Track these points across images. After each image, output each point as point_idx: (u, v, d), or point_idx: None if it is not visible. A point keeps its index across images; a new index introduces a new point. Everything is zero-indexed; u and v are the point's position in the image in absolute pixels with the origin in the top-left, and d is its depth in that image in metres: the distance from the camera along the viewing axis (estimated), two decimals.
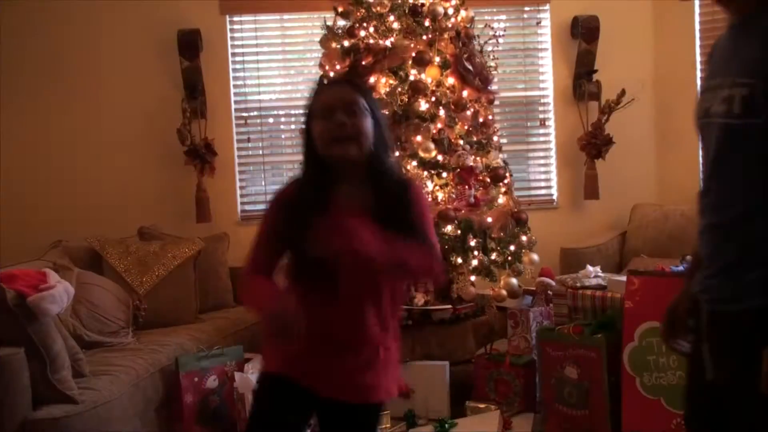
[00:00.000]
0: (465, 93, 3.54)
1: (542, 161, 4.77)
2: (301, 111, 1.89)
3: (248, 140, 4.64)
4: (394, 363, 1.90)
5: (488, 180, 3.54)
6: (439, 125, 3.50)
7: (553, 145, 4.71)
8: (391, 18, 3.58)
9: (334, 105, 1.78)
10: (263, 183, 4.69)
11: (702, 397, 1.59)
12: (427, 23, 3.57)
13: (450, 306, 3.47)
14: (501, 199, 3.61)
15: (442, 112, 3.51)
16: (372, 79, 3.56)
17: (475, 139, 3.58)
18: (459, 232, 3.46)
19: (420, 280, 1.94)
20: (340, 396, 1.80)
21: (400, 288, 1.94)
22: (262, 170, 4.68)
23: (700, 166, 4.34)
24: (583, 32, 4.49)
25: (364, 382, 1.80)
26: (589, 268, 3.45)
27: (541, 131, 4.74)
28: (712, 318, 1.51)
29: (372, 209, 1.77)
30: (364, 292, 1.78)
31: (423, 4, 3.57)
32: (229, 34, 4.58)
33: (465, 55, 3.55)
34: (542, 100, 4.73)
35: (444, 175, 3.48)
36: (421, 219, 1.83)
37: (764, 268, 1.40)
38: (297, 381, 1.79)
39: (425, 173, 3.50)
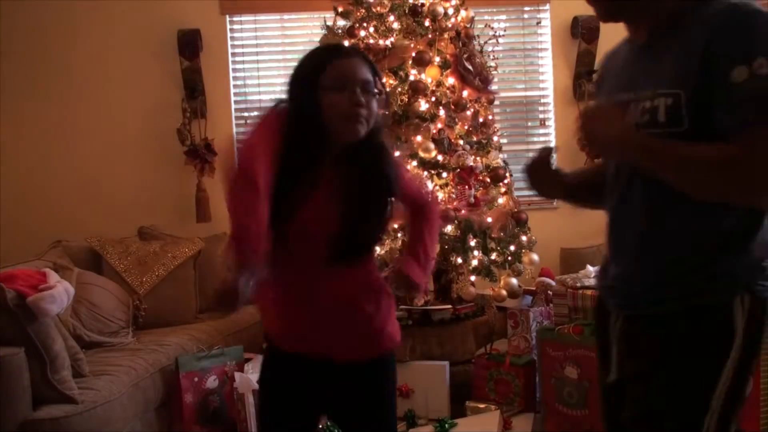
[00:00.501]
0: (465, 93, 3.54)
1: None
2: (302, 66, 1.75)
3: None
4: (392, 308, 1.91)
5: (488, 180, 3.54)
6: (439, 125, 3.50)
7: (553, 145, 4.71)
8: (391, 18, 3.58)
9: (354, 79, 1.69)
10: None
11: (609, 398, 1.62)
12: (427, 23, 3.56)
13: (450, 306, 3.47)
14: (501, 199, 3.61)
15: (442, 112, 3.51)
16: None
17: (475, 139, 3.58)
18: (459, 232, 3.46)
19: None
20: (355, 355, 1.81)
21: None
22: None
23: None
24: (583, 32, 4.49)
25: (371, 332, 1.82)
26: (589, 268, 3.45)
27: (541, 131, 4.75)
28: (628, 320, 1.53)
29: (357, 187, 1.74)
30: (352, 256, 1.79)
31: (423, 4, 3.57)
32: (229, 34, 4.58)
33: (465, 55, 3.55)
34: (542, 100, 4.73)
35: (444, 175, 3.48)
36: (407, 176, 1.86)
37: (688, 274, 1.42)
38: (309, 356, 1.79)
39: (425, 173, 3.50)
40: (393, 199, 1.82)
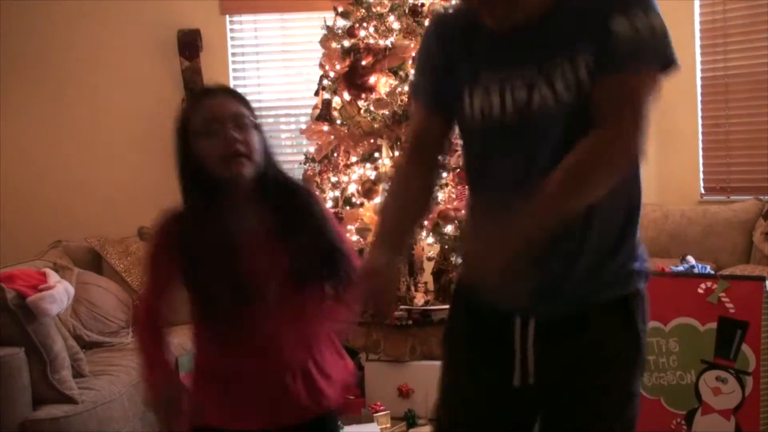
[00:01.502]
0: None
1: None
2: (177, 121, 1.68)
3: None
4: (333, 368, 1.75)
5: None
6: None
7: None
8: (391, 18, 3.58)
9: (221, 119, 1.59)
10: None
11: (505, 404, 1.50)
12: (427, 23, 3.56)
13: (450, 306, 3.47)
14: None
15: None
16: (372, 79, 3.56)
17: None
18: (459, 232, 3.46)
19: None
20: (289, 419, 1.66)
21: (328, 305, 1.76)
22: None
23: (701, 166, 4.36)
24: None
25: (302, 398, 1.67)
26: None
27: None
28: (547, 323, 1.43)
29: (275, 228, 1.63)
30: (284, 323, 1.65)
31: (423, 4, 3.57)
32: (229, 34, 4.58)
33: None
34: None
35: (444, 175, 3.48)
36: (329, 224, 1.72)
37: (616, 265, 1.40)
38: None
39: None
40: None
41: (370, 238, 3.49)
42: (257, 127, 1.64)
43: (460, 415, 1.54)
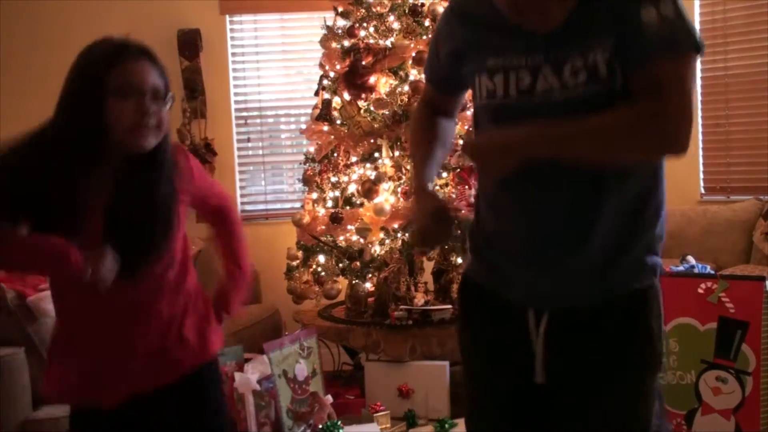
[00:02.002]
0: None
1: None
2: (87, 66, 1.59)
3: (248, 140, 4.64)
4: (203, 318, 1.77)
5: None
6: None
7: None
8: (391, 18, 3.58)
9: (143, 88, 1.55)
10: (263, 183, 4.69)
11: (526, 403, 1.48)
12: (427, 23, 3.56)
13: (450, 306, 3.47)
14: None
15: None
16: (372, 79, 3.56)
17: None
18: (459, 232, 3.46)
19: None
20: (164, 380, 1.67)
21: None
22: (262, 170, 4.68)
23: (701, 166, 4.36)
24: None
25: (176, 353, 1.68)
26: None
27: None
28: (558, 317, 1.42)
29: (139, 191, 1.59)
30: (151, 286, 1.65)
31: (423, 4, 3.57)
32: (229, 34, 4.58)
33: None
34: None
35: (444, 175, 3.48)
36: (206, 184, 1.76)
37: (629, 259, 1.39)
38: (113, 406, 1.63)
39: None
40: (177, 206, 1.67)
41: (370, 238, 3.49)
42: (169, 101, 1.62)
43: (489, 419, 1.54)
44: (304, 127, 4.00)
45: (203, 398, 1.74)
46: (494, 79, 1.40)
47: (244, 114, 4.63)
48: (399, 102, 3.50)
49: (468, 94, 1.59)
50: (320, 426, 3.07)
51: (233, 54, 4.61)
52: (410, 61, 3.52)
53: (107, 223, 1.56)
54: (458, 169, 3.45)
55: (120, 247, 1.56)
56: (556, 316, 1.42)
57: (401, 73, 3.55)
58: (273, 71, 4.66)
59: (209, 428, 1.75)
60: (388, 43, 3.55)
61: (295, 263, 3.82)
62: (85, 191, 1.55)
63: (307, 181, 3.80)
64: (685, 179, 4.29)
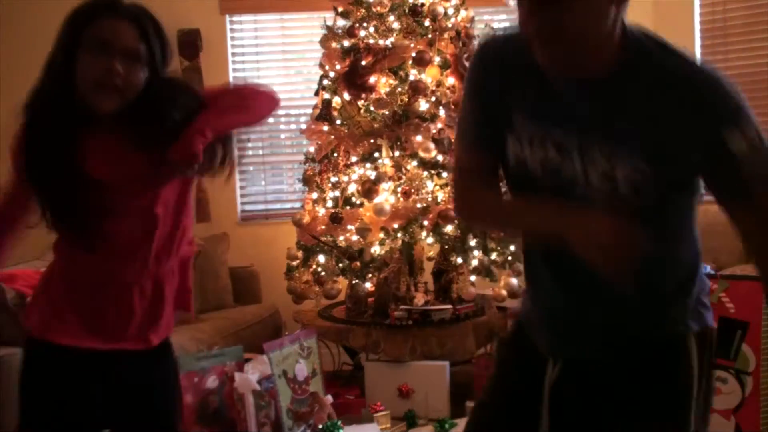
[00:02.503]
0: None
1: None
2: (71, 18, 1.61)
3: (248, 140, 4.63)
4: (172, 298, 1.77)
5: None
6: (439, 125, 3.50)
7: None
8: (391, 18, 3.58)
9: (113, 45, 1.51)
10: (263, 183, 4.69)
11: None
12: (427, 23, 3.56)
13: (450, 306, 3.47)
14: None
15: (442, 112, 3.51)
16: (372, 79, 3.56)
17: None
18: (459, 232, 3.46)
19: (265, 112, 1.84)
20: (142, 344, 1.69)
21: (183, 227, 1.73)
22: (262, 170, 4.68)
23: None
24: None
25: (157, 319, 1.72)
26: None
27: None
28: (572, 367, 1.39)
29: (130, 142, 1.56)
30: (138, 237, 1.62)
31: (423, 4, 3.57)
32: (229, 34, 4.58)
33: (465, 55, 3.55)
34: None
35: (444, 175, 3.48)
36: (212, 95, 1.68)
37: (655, 307, 1.36)
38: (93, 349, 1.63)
39: (425, 173, 3.51)
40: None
41: (370, 238, 3.49)
42: (149, 63, 1.57)
43: None
44: (304, 127, 4.00)
45: (167, 371, 1.78)
46: (523, 146, 1.32)
47: None
48: (399, 102, 3.50)
49: None
50: (320, 426, 3.07)
51: (233, 54, 4.61)
52: (410, 61, 3.52)
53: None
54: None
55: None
56: (575, 369, 1.39)
57: (401, 73, 3.55)
58: (273, 71, 4.66)
59: (163, 405, 1.76)
60: (388, 43, 3.55)
61: (295, 263, 3.82)
62: (74, 149, 1.54)
63: (307, 181, 3.80)
64: None
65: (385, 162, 3.53)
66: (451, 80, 3.57)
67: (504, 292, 3.54)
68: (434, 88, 3.53)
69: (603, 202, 1.27)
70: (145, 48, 1.56)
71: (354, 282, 3.61)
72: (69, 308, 1.63)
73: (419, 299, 3.50)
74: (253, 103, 1.77)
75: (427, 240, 3.55)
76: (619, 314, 1.35)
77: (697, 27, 4.31)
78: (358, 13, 3.67)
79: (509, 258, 3.56)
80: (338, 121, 3.66)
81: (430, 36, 3.56)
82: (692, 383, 1.36)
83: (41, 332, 1.63)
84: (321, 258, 3.72)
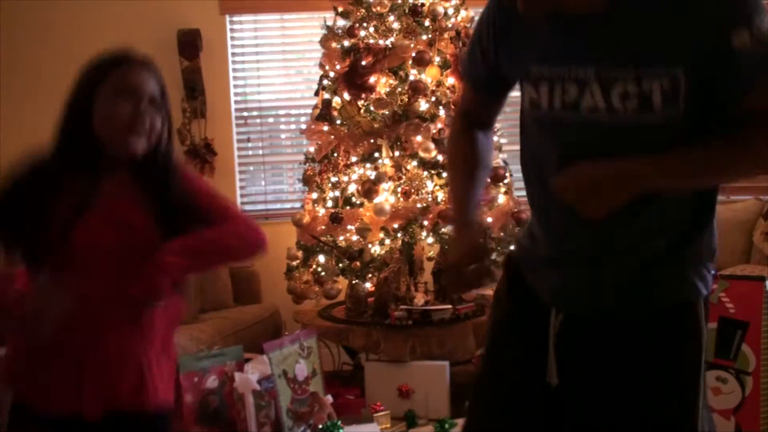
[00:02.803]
0: None
1: None
2: (91, 68, 1.63)
3: (248, 140, 4.64)
4: (164, 365, 1.67)
5: (488, 180, 3.54)
6: (439, 125, 3.50)
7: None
8: (391, 18, 3.58)
9: (141, 92, 1.55)
10: (263, 183, 4.69)
11: (533, 403, 1.41)
12: (427, 23, 3.57)
13: (450, 306, 3.47)
14: (501, 199, 3.61)
15: (442, 112, 3.51)
16: (372, 79, 3.56)
17: None
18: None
19: (244, 258, 1.78)
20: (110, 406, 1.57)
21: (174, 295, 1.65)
22: (262, 170, 4.68)
23: None
24: None
25: (129, 386, 1.58)
26: None
27: None
28: (579, 322, 1.36)
29: (150, 208, 1.58)
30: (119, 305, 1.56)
31: (423, 4, 3.57)
32: (229, 34, 4.58)
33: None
34: None
35: (444, 175, 3.48)
36: (209, 196, 1.67)
37: (664, 273, 1.32)
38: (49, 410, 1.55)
39: (425, 173, 3.51)
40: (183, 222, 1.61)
41: (370, 238, 3.49)
42: (164, 113, 1.61)
43: (492, 408, 1.47)
44: (304, 127, 4.00)
45: None
46: (539, 89, 1.31)
47: (244, 114, 4.63)
48: (399, 102, 3.50)
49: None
50: (320, 426, 3.07)
51: (233, 54, 4.61)
52: (410, 61, 3.52)
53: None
54: None
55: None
56: (580, 322, 1.37)
57: (401, 73, 3.55)
58: (273, 71, 4.66)
59: None
60: (388, 43, 3.55)
61: (295, 263, 3.82)
62: (86, 197, 1.54)
63: (307, 181, 3.80)
64: None
65: (385, 162, 3.53)
66: (451, 80, 3.57)
67: None
68: (434, 88, 3.53)
69: (629, 128, 1.23)
70: (161, 95, 1.61)
71: (354, 282, 3.61)
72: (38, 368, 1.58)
73: (419, 299, 3.50)
74: (236, 252, 1.73)
75: (427, 240, 3.55)
76: (632, 264, 1.33)
77: None
78: (358, 13, 3.67)
79: None
80: (338, 121, 3.66)
81: (430, 36, 3.57)
82: (701, 353, 1.35)
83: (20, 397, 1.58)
84: (321, 258, 3.72)
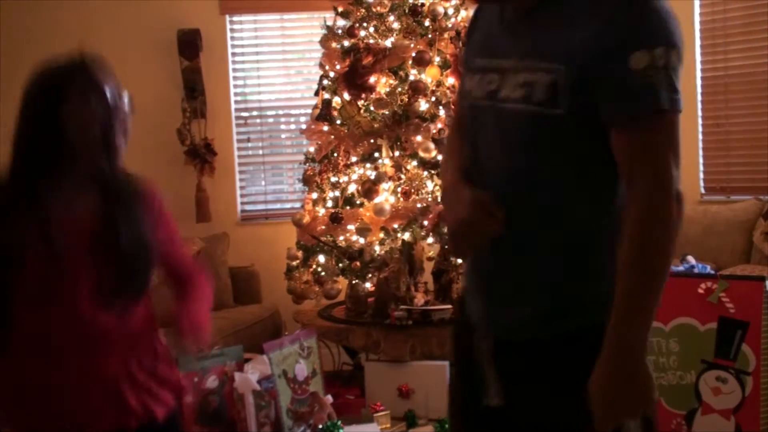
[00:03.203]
0: None
1: None
2: (44, 86, 1.65)
3: (248, 140, 4.64)
4: (163, 373, 1.67)
5: None
6: (439, 125, 3.50)
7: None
8: (391, 18, 3.58)
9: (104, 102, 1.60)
10: (263, 183, 4.69)
11: (479, 423, 1.43)
12: (427, 23, 3.56)
13: (450, 306, 3.47)
14: None
15: (442, 112, 3.51)
16: (372, 79, 3.56)
17: None
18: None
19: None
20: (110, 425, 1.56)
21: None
22: (262, 170, 4.68)
23: (701, 166, 4.36)
24: None
25: (128, 403, 1.57)
26: None
27: None
28: (504, 345, 1.36)
29: (100, 217, 1.56)
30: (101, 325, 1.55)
31: (423, 4, 3.57)
32: (229, 34, 4.58)
33: None
34: None
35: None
36: (173, 237, 1.68)
37: (570, 295, 1.31)
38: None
39: (425, 173, 3.51)
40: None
41: (370, 238, 3.49)
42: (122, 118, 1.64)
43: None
44: (304, 127, 4.00)
45: None
46: (474, 78, 1.40)
47: (244, 114, 4.63)
48: (399, 102, 3.50)
49: None
50: (320, 426, 3.07)
51: (233, 54, 4.61)
52: (410, 61, 3.52)
53: (98, 249, 1.53)
54: None
55: (108, 276, 1.53)
56: (502, 343, 1.37)
57: (401, 73, 3.55)
58: (273, 71, 4.66)
59: None
60: (388, 43, 3.55)
61: (295, 263, 3.82)
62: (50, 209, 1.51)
63: (307, 181, 3.80)
64: (686, 179, 4.23)
65: (385, 162, 3.53)
66: (451, 80, 3.57)
67: None
68: (434, 88, 3.53)
69: (515, 115, 1.29)
70: (119, 102, 1.63)
71: (354, 282, 3.61)
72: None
73: (419, 299, 3.49)
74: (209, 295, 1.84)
75: (427, 240, 3.55)
76: (525, 287, 1.34)
77: (697, 27, 4.31)
78: (358, 13, 3.67)
79: None
80: (338, 121, 3.66)
81: (430, 36, 3.56)
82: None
83: None
84: (321, 258, 3.72)
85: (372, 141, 3.57)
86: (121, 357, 1.58)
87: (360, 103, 3.59)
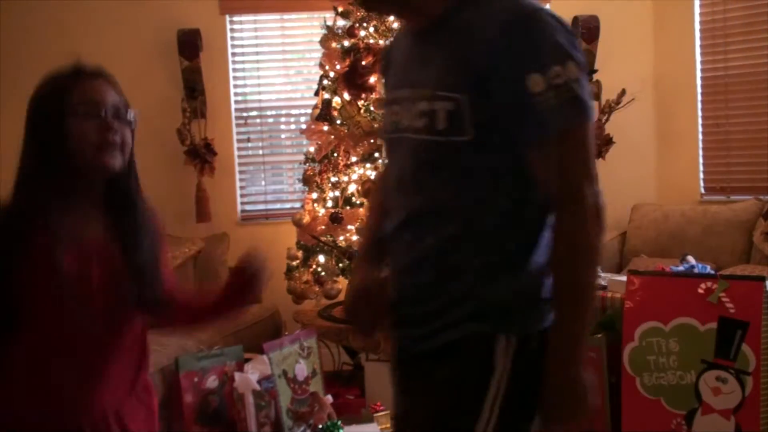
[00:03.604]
0: None
1: None
2: (43, 93, 1.57)
3: (248, 140, 4.64)
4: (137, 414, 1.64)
5: None
6: None
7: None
8: (391, 18, 3.58)
9: (103, 104, 1.51)
10: (263, 183, 4.69)
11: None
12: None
13: None
14: None
15: None
16: (372, 79, 3.56)
17: None
18: None
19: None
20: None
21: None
22: (262, 170, 4.68)
23: (701, 166, 4.36)
24: (582, 32, 4.48)
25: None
26: None
27: None
28: (405, 356, 1.44)
29: (116, 237, 1.54)
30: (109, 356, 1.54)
31: None
32: (229, 34, 4.58)
33: None
34: None
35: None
36: (165, 256, 1.67)
37: (448, 307, 1.33)
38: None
39: None
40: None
41: None
42: (130, 124, 1.56)
43: None
44: (304, 127, 4.00)
45: None
46: (386, 111, 1.44)
47: (244, 114, 4.63)
48: None
49: None
50: (320, 426, 3.07)
51: (233, 54, 4.61)
52: None
53: (113, 264, 1.53)
54: None
55: (123, 289, 1.53)
56: (405, 351, 1.44)
57: None
58: (273, 71, 4.66)
59: None
60: (388, 43, 3.55)
61: (295, 263, 3.82)
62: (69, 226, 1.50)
63: (307, 181, 3.79)
64: (685, 179, 4.28)
65: (385, 162, 3.52)
66: None
67: None
68: None
69: (420, 144, 1.30)
70: (124, 104, 1.57)
71: None
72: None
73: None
74: None
75: None
76: (417, 299, 1.38)
77: (697, 27, 4.31)
78: (358, 13, 3.67)
79: None
80: (338, 121, 3.66)
81: None
82: (486, 389, 1.31)
83: None
84: (321, 258, 3.72)
85: (372, 141, 3.57)
86: (124, 367, 1.59)
87: (360, 103, 3.58)
